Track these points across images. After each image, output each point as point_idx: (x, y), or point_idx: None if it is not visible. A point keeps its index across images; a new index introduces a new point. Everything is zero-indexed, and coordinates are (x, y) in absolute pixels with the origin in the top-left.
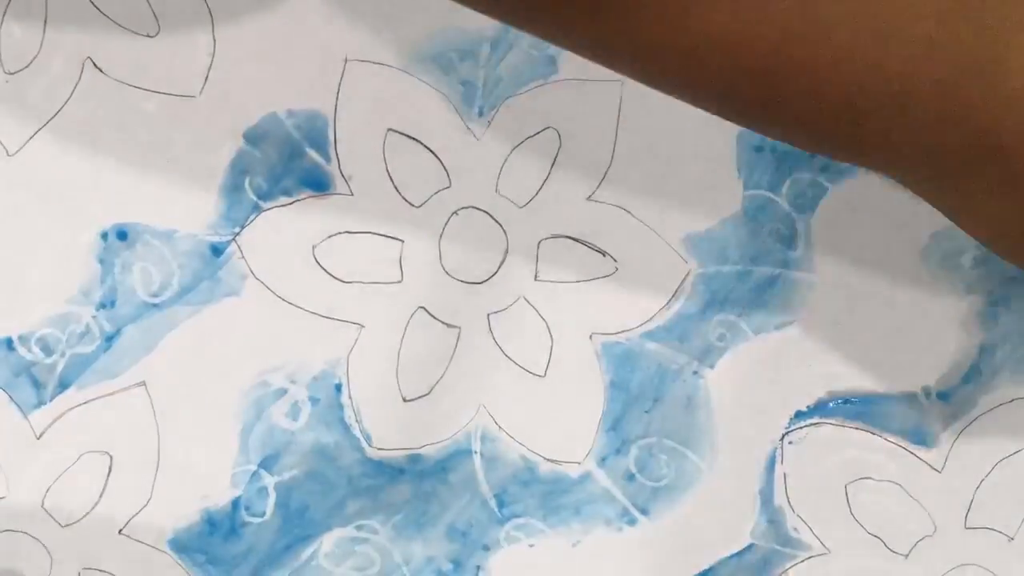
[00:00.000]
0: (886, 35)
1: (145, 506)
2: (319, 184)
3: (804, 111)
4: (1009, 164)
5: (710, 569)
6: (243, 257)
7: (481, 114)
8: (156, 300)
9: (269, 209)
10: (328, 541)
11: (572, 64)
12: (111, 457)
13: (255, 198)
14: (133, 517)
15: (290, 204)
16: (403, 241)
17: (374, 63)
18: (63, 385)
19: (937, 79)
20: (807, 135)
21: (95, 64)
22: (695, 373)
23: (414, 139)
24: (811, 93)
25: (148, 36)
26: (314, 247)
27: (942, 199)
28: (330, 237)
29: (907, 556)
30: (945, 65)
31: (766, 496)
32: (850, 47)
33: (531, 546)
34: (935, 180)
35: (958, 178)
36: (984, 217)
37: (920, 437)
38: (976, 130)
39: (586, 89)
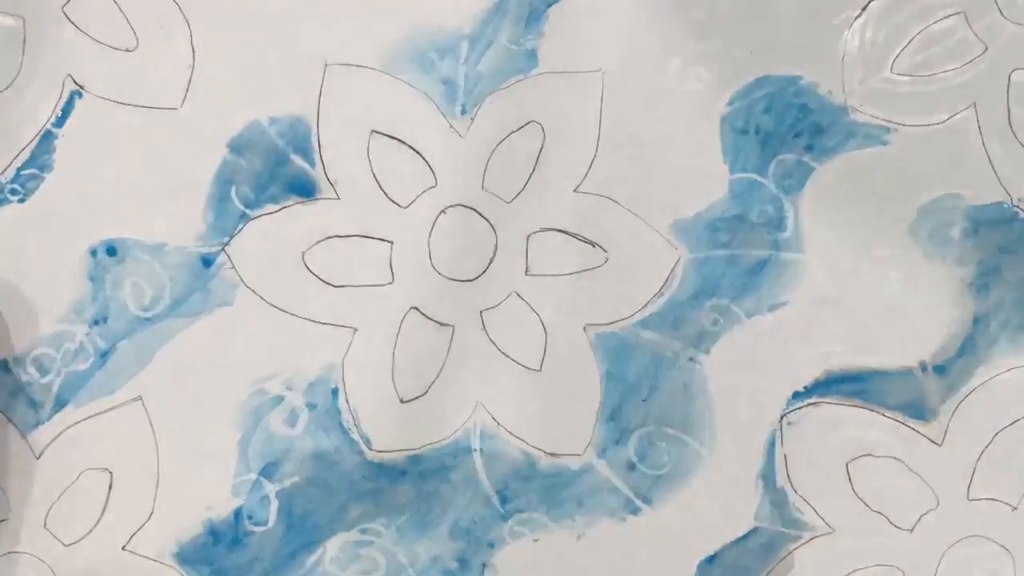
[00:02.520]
0: None
1: (147, 521)
2: (305, 190)
3: None
4: None
5: (716, 554)
6: (233, 267)
7: (464, 111)
8: (148, 314)
9: (257, 217)
10: (332, 546)
11: (552, 57)
12: (111, 473)
13: (242, 207)
14: (136, 532)
15: (277, 211)
16: (392, 242)
17: (354, 66)
18: (60, 404)
19: None
20: None
21: (75, 81)
22: (691, 359)
23: (398, 140)
24: None
25: (127, 51)
26: (303, 253)
27: None
28: (319, 242)
29: (911, 531)
30: None
31: (768, 478)
32: None
33: (536, 540)
34: None
35: None
36: None
37: (919, 411)
38: None
39: (567, 81)
